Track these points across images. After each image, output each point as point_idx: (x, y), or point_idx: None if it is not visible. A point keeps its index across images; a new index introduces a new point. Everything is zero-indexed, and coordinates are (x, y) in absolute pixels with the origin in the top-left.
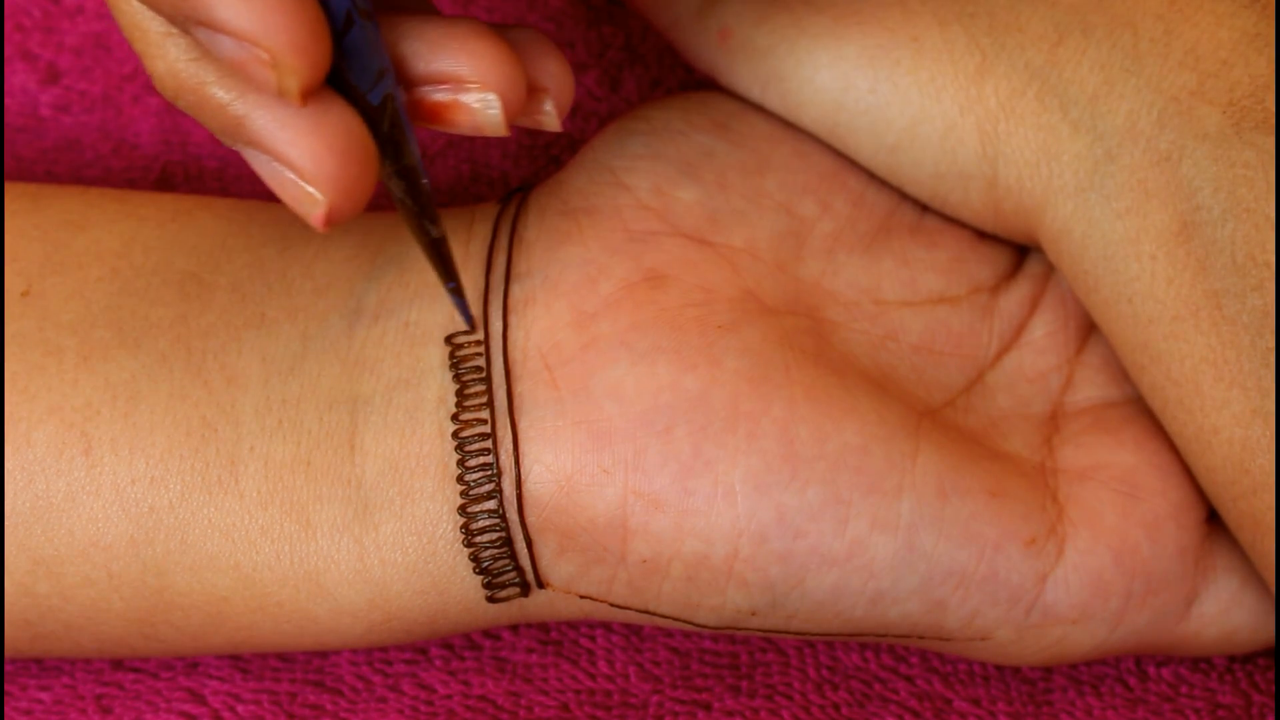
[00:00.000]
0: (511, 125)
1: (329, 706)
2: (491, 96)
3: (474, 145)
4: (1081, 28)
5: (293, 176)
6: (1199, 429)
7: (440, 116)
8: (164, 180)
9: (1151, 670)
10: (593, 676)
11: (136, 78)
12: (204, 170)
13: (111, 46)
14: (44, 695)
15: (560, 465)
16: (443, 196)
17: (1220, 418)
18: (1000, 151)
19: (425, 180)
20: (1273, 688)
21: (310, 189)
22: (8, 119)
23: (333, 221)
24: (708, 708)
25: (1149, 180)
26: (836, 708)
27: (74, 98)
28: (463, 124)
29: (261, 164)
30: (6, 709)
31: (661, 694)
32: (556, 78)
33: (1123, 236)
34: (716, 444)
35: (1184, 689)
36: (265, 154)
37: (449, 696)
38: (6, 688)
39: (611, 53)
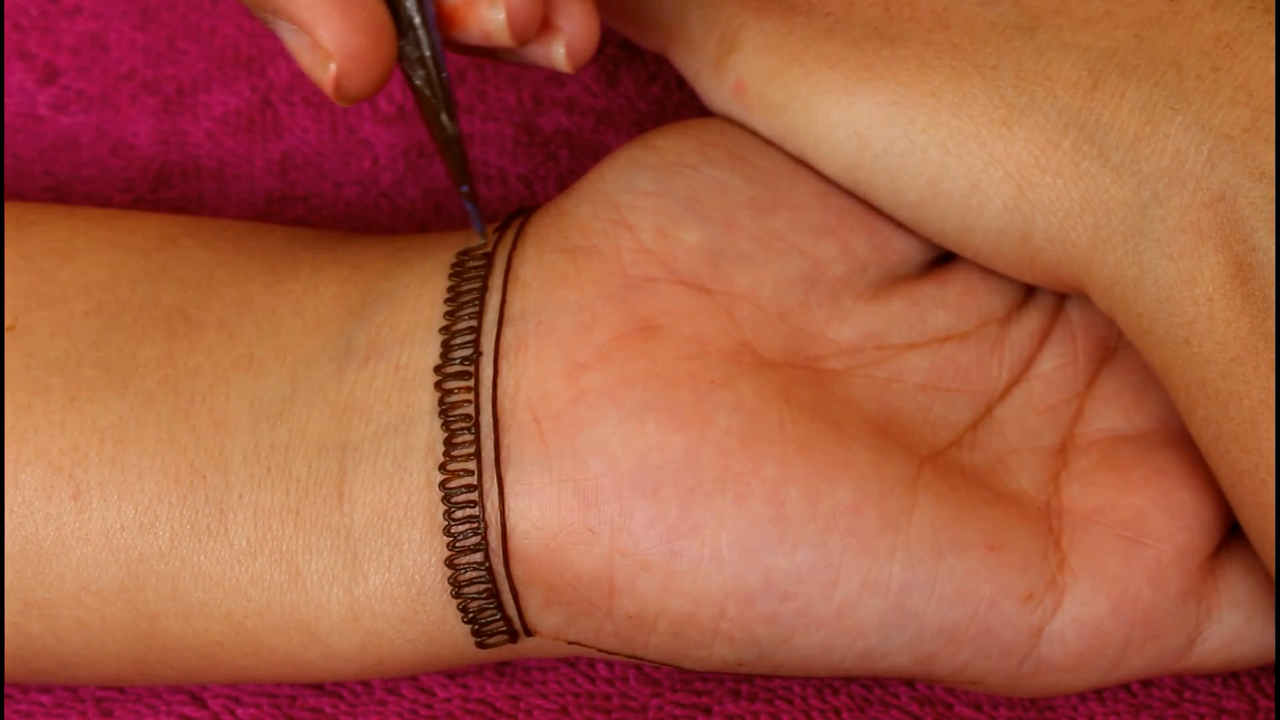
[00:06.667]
0: (521, 44)
1: (328, 709)
2: (499, 4)
3: (472, 142)
4: (1120, 70)
5: (310, 45)
6: (1254, 467)
7: (455, 20)
8: (161, 180)
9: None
10: (592, 680)
11: (134, 77)
12: (201, 170)
13: (109, 46)
14: (45, 698)
15: (546, 523)
16: (441, 195)
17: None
18: (1036, 204)
19: (445, 74)
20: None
21: (324, 59)
22: (5, 119)
23: (344, 91)
24: (708, 711)
25: (1202, 222)
26: (837, 712)
27: (72, 97)
28: (474, 31)
29: (285, 32)
30: (7, 711)
31: (661, 698)
32: (576, 21)
33: (1176, 279)
34: (704, 506)
35: (1188, 694)
36: (288, 22)
37: (448, 700)
38: (7, 690)
39: (609, 49)
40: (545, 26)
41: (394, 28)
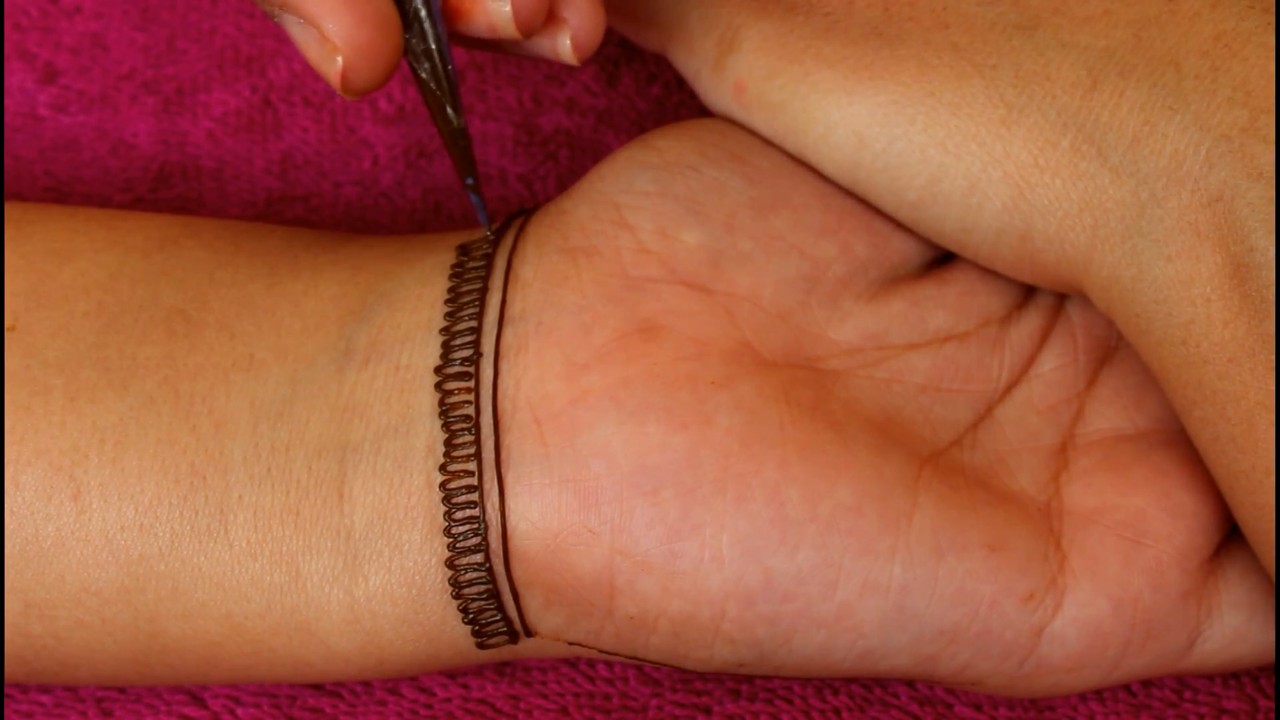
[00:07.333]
0: (526, 36)
1: (328, 710)
2: None
3: (471, 142)
4: (1119, 70)
5: (317, 39)
6: (1251, 468)
7: (461, 13)
8: (161, 180)
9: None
10: (592, 680)
11: (134, 77)
12: (201, 170)
13: (109, 45)
14: (45, 698)
15: (546, 523)
16: (441, 195)
17: (1276, 460)
18: (1035, 204)
19: (451, 66)
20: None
21: (332, 53)
22: (6, 119)
23: (351, 84)
24: (707, 711)
25: (1200, 222)
26: (837, 712)
27: (72, 97)
28: (479, 23)
29: (292, 26)
30: (7, 711)
31: (661, 698)
32: (581, 13)
33: (1174, 280)
34: (704, 507)
35: (1188, 694)
36: (294, 15)
37: (448, 700)
38: (7, 690)
39: (609, 49)
40: (550, 19)
41: (400, 21)
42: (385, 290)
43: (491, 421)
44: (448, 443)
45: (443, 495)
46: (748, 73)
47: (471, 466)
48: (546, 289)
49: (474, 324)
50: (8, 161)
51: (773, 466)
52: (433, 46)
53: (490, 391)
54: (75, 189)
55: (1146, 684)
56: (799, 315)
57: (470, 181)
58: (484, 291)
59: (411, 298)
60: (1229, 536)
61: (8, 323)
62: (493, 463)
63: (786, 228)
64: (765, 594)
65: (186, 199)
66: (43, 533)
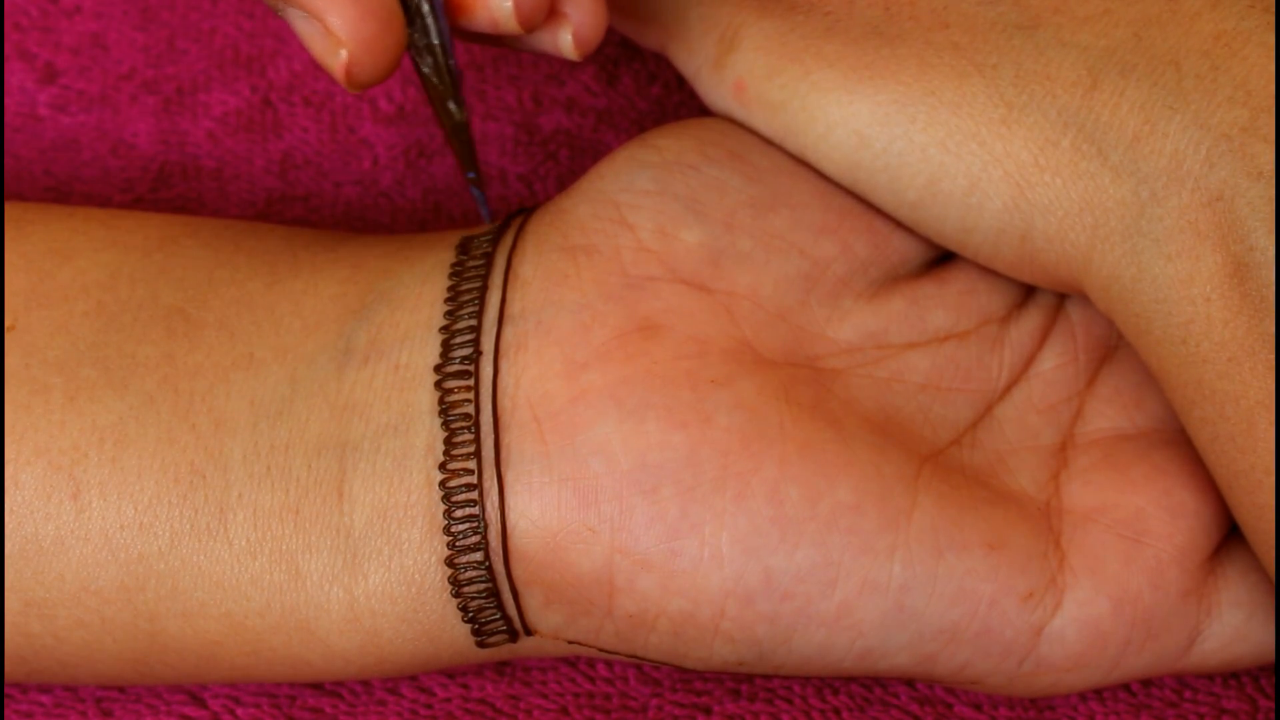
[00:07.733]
0: (528, 31)
1: (328, 709)
2: None
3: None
4: (1119, 69)
5: (321, 32)
6: (1250, 468)
7: (463, 8)
8: (161, 180)
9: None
10: (592, 680)
11: (134, 77)
12: (201, 170)
13: (109, 45)
14: (45, 698)
15: (546, 522)
16: (440, 195)
17: (1276, 459)
18: (1035, 204)
19: (453, 61)
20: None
21: (336, 46)
22: (6, 119)
23: (355, 78)
24: (707, 711)
25: (1200, 222)
26: (837, 712)
27: (72, 97)
28: (481, 18)
29: (296, 19)
30: (7, 711)
31: (661, 697)
32: (583, 9)
33: (1174, 279)
34: (704, 505)
35: (1188, 694)
36: (299, 9)
37: (448, 699)
38: (7, 690)
39: (609, 48)
40: (552, 14)
41: (402, 14)
42: (385, 289)
43: (491, 420)
44: (447, 441)
45: (442, 494)
46: (748, 72)
47: (471, 465)
48: (546, 287)
49: (474, 322)
50: (8, 161)
51: (772, 465)
52: (435, 41)
53: (490, 390)
54: (75, 189)
55: (1146, 684)
56: (799, 314)
57: (472, 175)
58: (484, 290)
59: (411, 296)
60: (1229, 536)
61: (8, 322)
62: (492, 461)
63: (786, 227)
64: (765, 592)
65: (186, 199)
66: (42, 531)
